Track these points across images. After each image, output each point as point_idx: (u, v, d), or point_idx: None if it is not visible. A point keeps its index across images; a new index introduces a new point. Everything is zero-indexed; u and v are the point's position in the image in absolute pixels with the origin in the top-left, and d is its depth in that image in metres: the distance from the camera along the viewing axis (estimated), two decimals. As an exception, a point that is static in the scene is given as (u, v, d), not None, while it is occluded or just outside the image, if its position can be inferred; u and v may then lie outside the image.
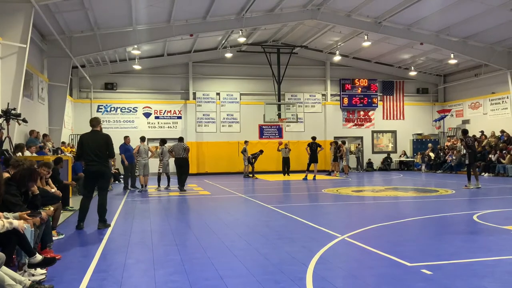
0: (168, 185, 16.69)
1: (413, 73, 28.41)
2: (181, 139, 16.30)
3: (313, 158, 20.61)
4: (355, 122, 29.09)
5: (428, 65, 28.23)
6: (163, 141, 16.99)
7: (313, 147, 20.70)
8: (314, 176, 20.55)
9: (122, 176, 23.14)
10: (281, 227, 8.19)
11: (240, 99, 27.57)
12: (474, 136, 20.66)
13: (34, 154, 12.00)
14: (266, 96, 26.98)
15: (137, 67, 24.72)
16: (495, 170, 21.69)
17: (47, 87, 18.84)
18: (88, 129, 8.51)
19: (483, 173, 21.63)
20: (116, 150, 17.13)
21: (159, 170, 16.69)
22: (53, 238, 6.60)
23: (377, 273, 5.06)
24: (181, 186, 15.36)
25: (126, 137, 16.79)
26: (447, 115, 28.72)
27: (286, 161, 23.72)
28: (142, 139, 16.54)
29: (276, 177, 23.13)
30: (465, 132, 15.91)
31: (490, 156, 22.47)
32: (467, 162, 15.17)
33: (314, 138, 21.34)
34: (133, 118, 26.17)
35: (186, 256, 5.84)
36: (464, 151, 16.62)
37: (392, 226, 8.03)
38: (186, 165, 15.80)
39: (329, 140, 26.20)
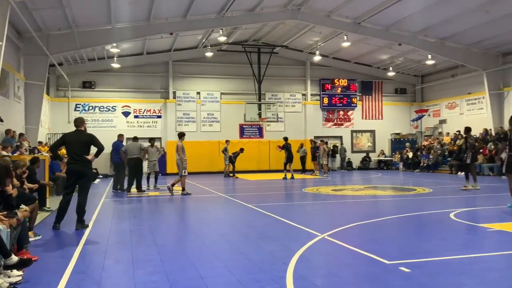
0: (154, 184, 16.65)
1: (391, 74, 28.79)
2: (135, 139, 15.72)
3: (289, 158, 20.71)
4: (335, 121, 29.33)
5: (406, 66, 28.63)
6: (150, 141, 16.84)
7: (289, 147, 20.77)
8: (292, 175, 20.64)
9: (100, 176, 22.94)
10: (262, 226, 8.20)
11: (221, 99, 27.51)
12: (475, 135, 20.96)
13: (10, 154, 11.76)
14: (246, 95, 26.98)
15: (116, 65, 24.43)
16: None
17: (23, 86, 18.46)
18: (65, 128, 8.41)
19: (459, 172, 21.99)
20: (109, 148, 16.90)
21: (148, 170, 16.65)
22: (30, 239, 6.49)
23: (356, 271, 5.11)
24: (139, 188, 14.93)
25: (120, 135, 16.53)
26: (425, 115, 29.17)
27: (302, 160, 24.80)
28: (180, 135, 14.81)
29: (257, 176, 23.16)
30: (468, 130, 14.89)
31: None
32: (468, 161, 14.42)
33: (286, 138, 21.37)
34: (112, 117, 25.87)
35: (166, 256, 5.80)
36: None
37: (371, 224, 8.11)
38: (139, 165, 15.22)
39: (309, 139, 26.31)
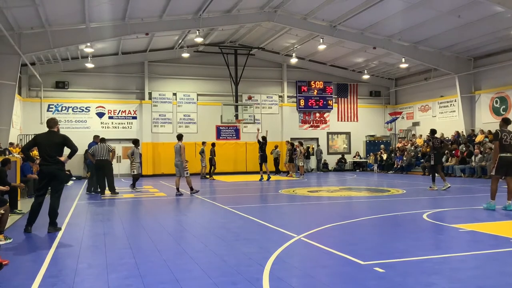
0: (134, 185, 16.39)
1: (366, 77, 29.17)
2: (103, 140, 15.36)
3: (263, 159, 20.70)
4: (311, 123, 29.55)
5: (380, 69, 29.06)
6: (135, 142, 16.51)
7: (263, 147, 20.75)
8: (269, 176, 20.66)
9: (74, 178, 22.56)
10: (238, 228, 8.19)
11: (197, 100, 27.39)
12: (441, 137, 21.03)
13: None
14: (223, 97, 26.97)
15: (90, 65, 24.06)
16: (443, 170, 22.49)
17: (-6, 85, 18.04)
18: (38, 129, 8.24)
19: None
20: (83, 149, 16.63)
21: (132, 172, 16.31)
22: (1, 242, 6.34)
23: (331, 272, 5.15)
24: (112, 190, 14.74)
25: (96, 136, 16.26)
26: (398, 118, 29.66)
27: (276, 161, 25.14)
28: (179, 137, 15.07)
29: (233, 178, 23.12)
30: (433, 132, 15.22)
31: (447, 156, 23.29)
32: (432, 163, 14.84)
33: (264, 138, 21.29)
34: (86, 118, 25.47)
35: (141, 259, 5.73)
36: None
37: (346, 225, 8.19)
38: (108, 167, 14.86)
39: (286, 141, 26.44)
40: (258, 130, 21.96)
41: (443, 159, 22.59)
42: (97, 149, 14.82)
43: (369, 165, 28.91)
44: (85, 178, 22.21)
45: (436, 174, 15.01)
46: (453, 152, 22.92)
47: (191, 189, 14.40)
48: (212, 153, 22.90)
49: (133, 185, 16.42)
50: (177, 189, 14.34)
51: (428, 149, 23.99)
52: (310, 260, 5.78)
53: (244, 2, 19.65)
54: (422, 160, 24.45)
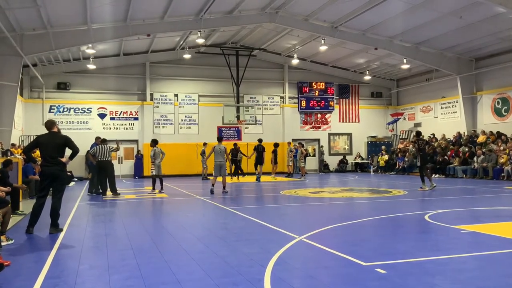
0: (161, 188, 16.05)
1: (367, 77, 29.16)
2: (104, 141, 15.23)
3: (259, 160, 20.89)
4: (313, 124, 29.54)
5: (382, 70, 29.04)
6: (154, 142, 16.31)
7: (260, 149, 20.97)
8: (259, 177, 20.78)
9: (75, 179, 22.58)
10: (239, 229, 8.19)
11: (199, 101, 27.41)
12: (443, 138, 21.22)
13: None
14: (225, 98, 26.97)
15: (91, 66, 24.09)
16: (445, 171, 22.54)
17: (-4, 87, 18.05)
18: (39, 130, 8.24)
19: (434, 175, 22.37)
20: (84, 150, 16.63)
21: (152, 172, 16.09)
22: (2, 243, 6.35)
23: (333, 273, 5.15)
24: (114, 191, 14.75)
25: (97, 138, 16.26)
26: (400, 118, 29.62)
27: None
28: (219, 139, 15.81)
29: (235, 178, 23.08)
30: (418, 134, 16.16)
31: (439, 158, 23.32)
32: (418, 164, 15.53)
33: (260, 140, 21.68)
34: (87, 119, 25.50)
35: (143, 260, 5.73)
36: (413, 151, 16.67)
37: (348, 226, 8.19)
38: (109, 168, 14.81)
39: (287, 142, 26.43)
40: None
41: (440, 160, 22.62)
42: (98, 150, 14.83)
43: (369, 166, 28.90)
44: (86, 179, 22.25)
45: (434, 175, 15.28)
46: (447, 154, 22.99)
47: (224, 187, 15.45)
48: (234, 151, 22.63)
49: (156, 187, 16.13)
50: (224, 187, 15.38)
51: (429, 150, 24.07)
52: (311, 261, 5.78)
53: (246, 3, 19.65)
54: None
